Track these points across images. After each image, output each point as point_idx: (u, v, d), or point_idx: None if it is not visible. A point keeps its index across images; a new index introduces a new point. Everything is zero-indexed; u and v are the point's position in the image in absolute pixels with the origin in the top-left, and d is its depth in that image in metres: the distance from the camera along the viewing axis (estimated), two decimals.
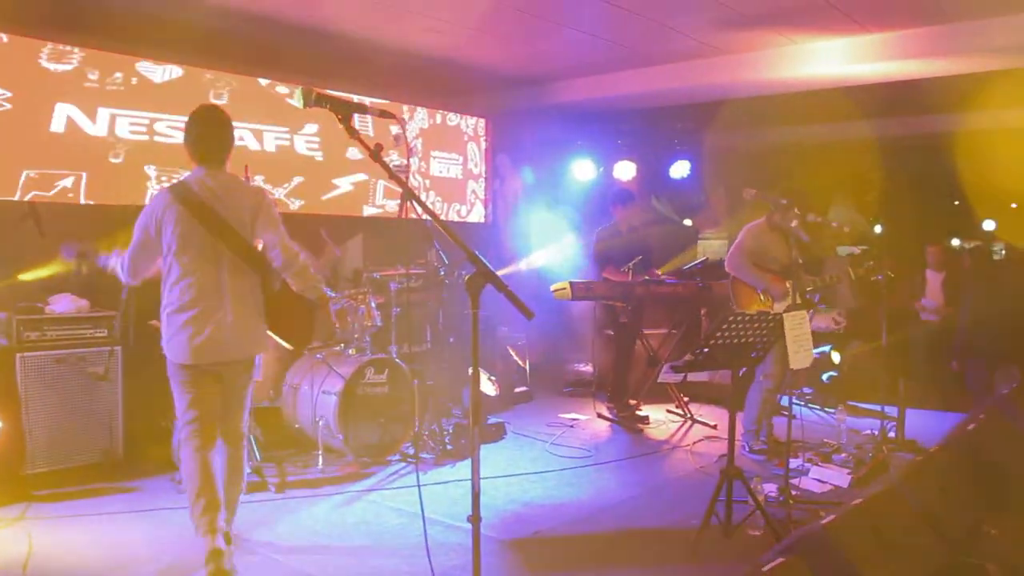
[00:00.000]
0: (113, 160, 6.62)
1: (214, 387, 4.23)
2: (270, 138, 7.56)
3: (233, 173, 4.34)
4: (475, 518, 2.68)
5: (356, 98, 4.03)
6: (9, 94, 6.08)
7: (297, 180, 7.80)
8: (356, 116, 2.73)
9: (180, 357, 4.11)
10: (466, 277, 2.62)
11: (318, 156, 7.97)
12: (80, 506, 5.07)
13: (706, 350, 4.55)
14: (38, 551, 4.46)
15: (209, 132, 4.19)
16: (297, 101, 2.65)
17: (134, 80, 6.71)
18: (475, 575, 2.70)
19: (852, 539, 3.20)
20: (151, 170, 6.81)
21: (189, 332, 4.08)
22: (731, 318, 4.51)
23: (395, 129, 3.22)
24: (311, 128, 7.84)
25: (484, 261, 2.57)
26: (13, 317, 5.63)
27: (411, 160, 8.13)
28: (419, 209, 2.72)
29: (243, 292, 4.19)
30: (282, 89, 7.57)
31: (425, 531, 3.66)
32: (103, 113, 6.56)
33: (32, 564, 4.29)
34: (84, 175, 6.49)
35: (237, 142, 4.80)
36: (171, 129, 6.84)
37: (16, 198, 6.19)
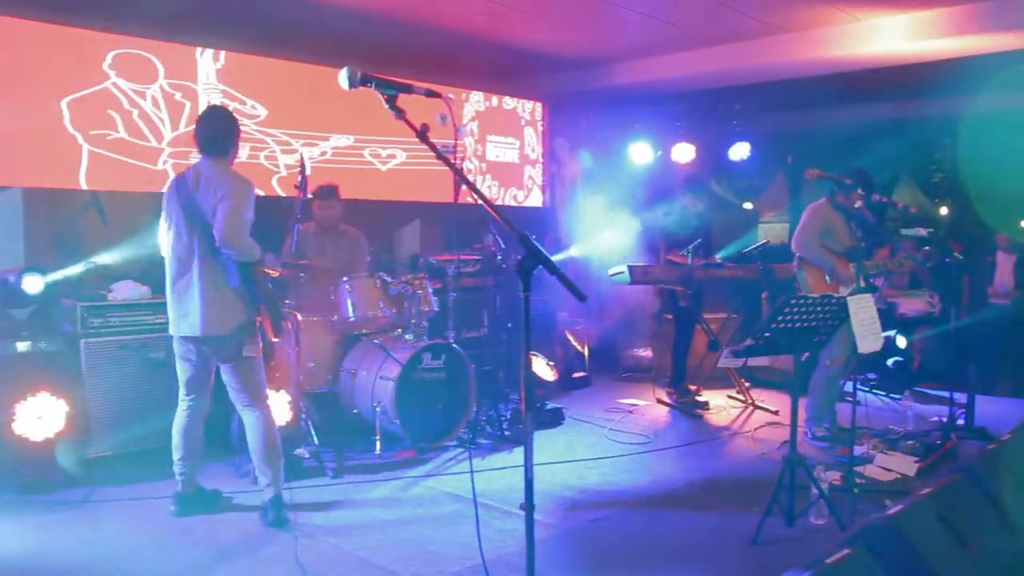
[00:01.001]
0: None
1: (195, 359, 4.72)
2: None
3: (229, 165, 4.64)
4: (528, 505, 2.64)
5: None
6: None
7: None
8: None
9: (169, 329, 4.70)
10: (518, 260, 2.57)
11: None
12: (142, 489, 5.14)
13: (767, 334, 4.44)
14: (101, 534, 4.53)
15: (203, 126, 4.62)
16: (343, 81, 2.62)
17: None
18: (529, 564, 2.65)
19: (920, 530, 3.09)
20: None
21: (173, 307, 4.63)
22: (793, 301, 4.40)
23: (441, 119, 3.16)
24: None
25: (536, 243, 2.51)
26: (77, 304, 5.72)
27: (460, 141, 8.08)
28: (474, 193, 2.68)
29: (211, 274, 4.50)
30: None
31: (477, 520, 3.61)
32: None
33: (95, 546, 4.37)
34: None
35: None
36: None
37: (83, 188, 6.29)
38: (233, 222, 4.35)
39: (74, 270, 6.01)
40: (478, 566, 3.99)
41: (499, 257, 7.06)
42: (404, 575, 4.05)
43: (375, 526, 4.70)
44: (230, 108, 4.94)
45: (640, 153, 9.68)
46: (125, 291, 6.04)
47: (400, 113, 2.60)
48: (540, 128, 9.81)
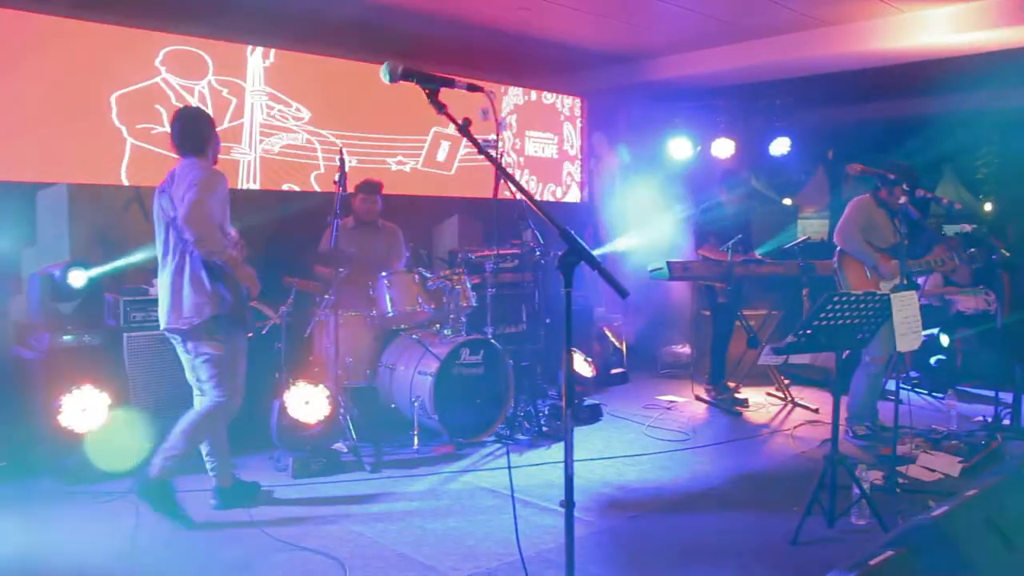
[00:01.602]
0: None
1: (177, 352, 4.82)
2: None
3: (205, 164, 4.62)
4: (568, 502, 2.62)
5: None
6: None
7: None
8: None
9: None
10: (559, 255, 2.55)
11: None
12: (184, 482, 5.17)
13: (808, 331, 4.39)
14: (144, 523, 4.59)
15: (175, 126, 4.68)
16: (384, 76, 2.62)
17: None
18: (568, 562, 2.64)
19: (965, 532, 3.03)
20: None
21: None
22: (835, 299, 4.34)
23: (482, 113, 3.17)
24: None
25: (577, 239, 2.50)
26: (120, 299, 5.80)
27: (502, 135, 8.08)
28: (511, 186, 2.67)
29: (173, 269, 4.57)
30: None
31: (515, 517, 3.60)
32: None
33: (138, 537, 4.43)
34: None
35: None
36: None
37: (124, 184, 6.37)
38: (195, 208, 4.33)
39: (117, 265, 6.10)
40: (516, 562, 4.01)
41: (538, 253, 7.04)
42: (442, 569, 4.05)
43: (413, 521, 4.71)
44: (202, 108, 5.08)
45: (679, 148, 9.62)
46: None
47: (441, 107, 2.59)
48: (579, 124, 9.78)
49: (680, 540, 4.51)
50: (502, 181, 6.38)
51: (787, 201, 12.94)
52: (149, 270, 6.14)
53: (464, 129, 2.59)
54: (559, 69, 9.32)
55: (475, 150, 2.69)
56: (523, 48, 8.31)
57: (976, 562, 2.95)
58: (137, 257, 6.08)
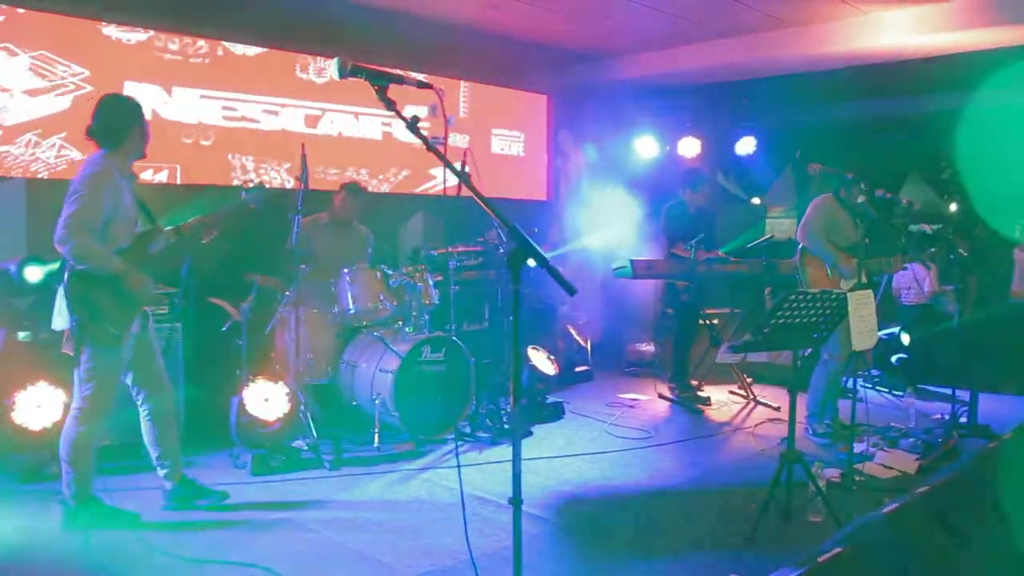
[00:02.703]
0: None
1: None
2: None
3: (96, 153, 4.42)
4: (516, 500, 2.61)
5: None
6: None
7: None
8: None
9: None
10: (508, 252, 2.54)
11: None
12: (140, 479, 5.12)
13: (766, 330, 4.41)
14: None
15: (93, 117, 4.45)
16: (333, 71, 2.60)
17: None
18: (516, 559, 2.63)
19: (915, 529, 3.06)
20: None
21: None
22: (792, 297, 4.36)
23: (431, 109, 3.17)
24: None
25: (525, 235, 2.48)
26: None
27: (451, 132, 8.07)
28: (465, 184, 2.66)
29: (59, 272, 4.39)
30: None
31: (464, 514, 3.58)
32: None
33: (93, 535, 4.35)
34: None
35: None
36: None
37: None
38: (62, 217, 4.15)
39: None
40: (470, 561, 3.99)
41: (501, 250, 7.03)
42: (399, 567, 4.04)
43: (371, 519, 4.69)
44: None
45: (646, 147, 9.65)
46: None
47: (391, 104, 2.57)
48: (545, 121, 9.78)
49: (636, 537, 4.53)
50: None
51: (755, 200, 13.01)
52: None
53: (412, 126, 2.57)
54: (525, 67, 9.32)
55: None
56: (490, 46, 8.30)
57: (925, 559, 2.98)
58: None
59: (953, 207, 14.84)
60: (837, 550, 2.81)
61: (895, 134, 11.03)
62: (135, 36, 6.54)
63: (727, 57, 8.38)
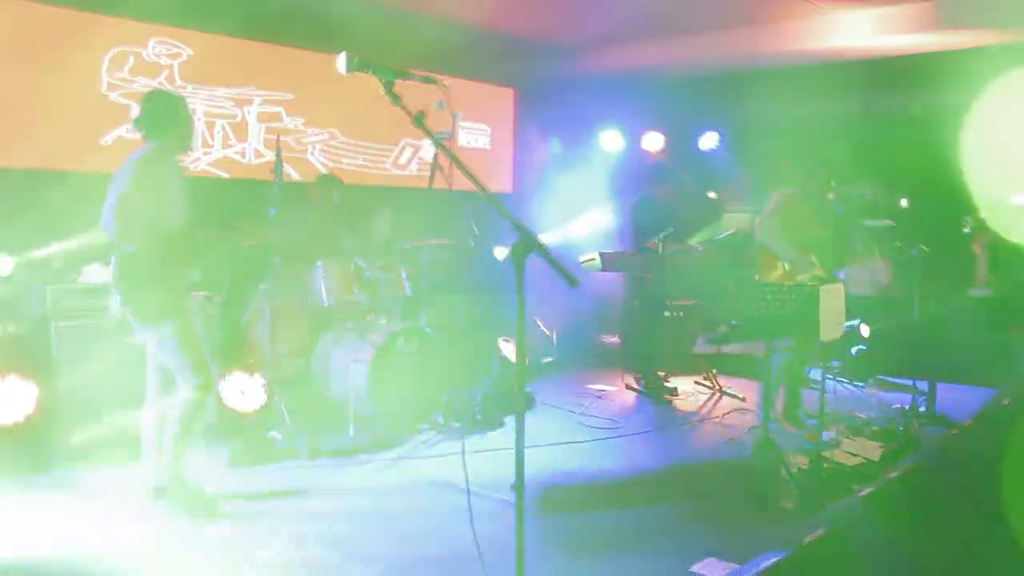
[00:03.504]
0: None
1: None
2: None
3: (143, 145, 4.49)
4: (519, 486, 2.70)
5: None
6: None
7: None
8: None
9: None
10: (512, 245, 2.61)
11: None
12: (116, 473, 5.11)
13: (740, 322, 4.53)
14: (75, 518, 4.50)
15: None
16: (340, 67, 2.64)
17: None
18: (519, 543, 2.71)
19: (889, 511, 3.20)
20: None
21: None
22: (767, 289, 4.49)
23: (438, 104, 3.26)
24: None
25: (529, 230, 2.56)
26: (47, 287, 5.67)
27: (457, 127, 8.11)
28: (469, 179, 2.72)
29: None
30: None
31: (469, 501, 3.65)
32: None
33: (68, 530, 4.35)
34: None
35: None
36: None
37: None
38: (108, 202, 4.25)
39: (44, 253, 5.96)
40: (456, 547, 4.12)
41: (472, 243, 7.07)
42: (387, 554, 4.10)
43: (354, 508, 4.73)
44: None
45: (610, 141, 9.75)
46: (94, 275, 6.01)
47: (397, 99, 2.63)
48: (511, 114, 9.84)
49: (613, 525, 4.62)
50: (436, 172, 6.41)
51: (712, 195, 13.20)
52: (78, 257, 6.05)
53: (419, 121, 2.63)
54: (492, 60, 9.35)
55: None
56: (455, 37, 8.32)
57: (899, 538, 3.12)
58: (66, 244, 5.97)
59: (904, 203, 15.18)
60: (820, 531, 2.94)
61: (850, 131, 11.27)
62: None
63: (691, 53, 8.49)
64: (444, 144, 2.65)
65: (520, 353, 2.69)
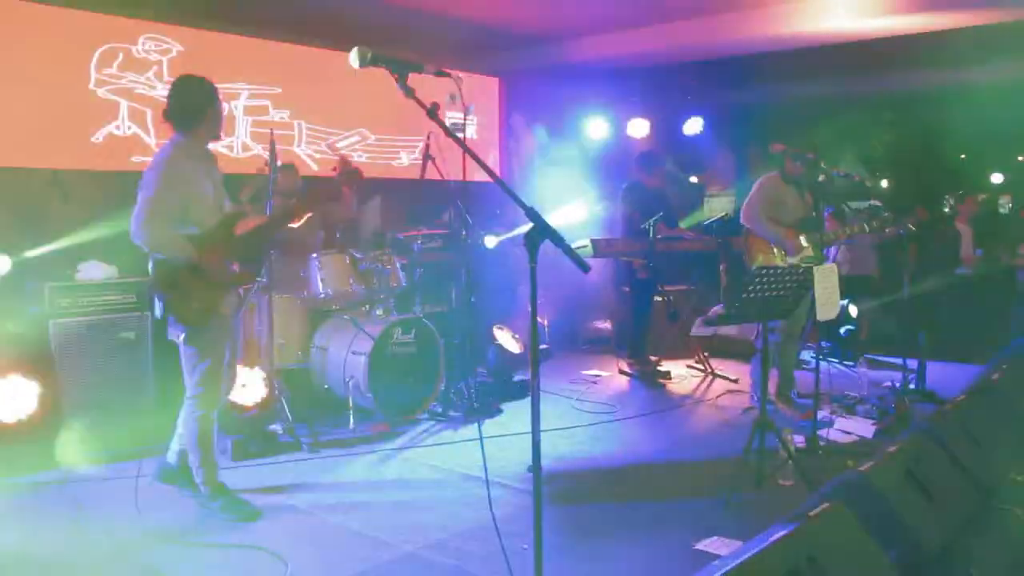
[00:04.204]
0: None
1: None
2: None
3: (171, 138, 4.37)
4: (536, 468, 2.76)
5: None
6: None
7: None
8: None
9: None
10: (525, 232, 2.66)
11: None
12: (118, 469, 5.14)
13: (737, 304, 4.61)
14: (80, 514, 4.53)
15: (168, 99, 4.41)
16: (353, 61, 2.68)
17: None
18: (536, 522, 2.77)
19: (890, 484, 3.29)
20: None
21: None
22: (763, 272, 4.57)
23: (451, 97, 3.31)
24: None
25: (542, 217, 2.61)
26: (45, 285, 5.69)
27: (469, 118, 8.11)
28: (484, 169, 2.76)
29: None
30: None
31: (488, 488, 3.69)
32: None
33: (74, 526, 4.38)
34: None
35: None
36: None
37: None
38: (135, 209, 4.13)
39: (40, 251, 5.97)
40: (464, 533, 4.21)
41: (464, 232, 7.11)
42: (394, 543, 4.14)
43: (359, 499, 4.78)
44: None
45: (596, 128, 9.81)
46: (92, 271, 6.03)
47: (410, 91, 2.67)
48: (497, 103, 9.87)
49: (617, 508, 4.68)
50: (429, 163, 6.43)
51: (693, 179, 13.31)
52: (75, 255, 6.06)
53: (433, 113, 2.67)
54: (476, 49, 9.38)
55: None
56: (440, 28, 8.34)
57: (900, 511, 3.21)
58: (62, 242, 5.98)
59: (884, 183, 15.38)
60: (825, 505, 3.02)
61: (831, 113, 11.39)
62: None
63: (674, 40, 8.55)
64: (458, 135, 2.69)
65: (534, 339, 2.73)
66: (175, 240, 4.17)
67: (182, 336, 4.31)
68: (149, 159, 4.65)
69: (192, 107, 4.32)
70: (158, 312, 4.30)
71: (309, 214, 4.90)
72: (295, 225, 4.94)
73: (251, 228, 4.49)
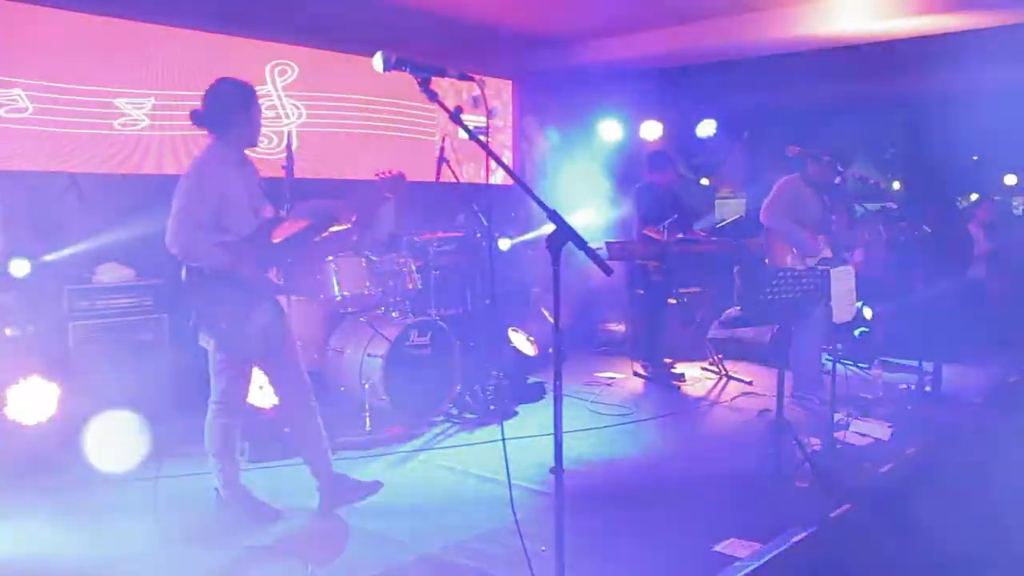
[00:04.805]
0: None
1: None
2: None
3: (220, 145, 4.29)
4: (558, 469, 2.77)
5: None
6: None
7: None
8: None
9: None
10: (548, 235, 2.68)
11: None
12: (136, 470, 5.16)
13: (755, 307, 4.62)
14: (100, 517, 4.56)
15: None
16: (377, 65, 2.70)
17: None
18: (558, 523, 2.78)
19: (908, 486, 3.31)
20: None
21: None
22: (781, 274, 4.58)
23: (473, 100, 3.34)
24: None
25: (565, 220, 2.63)
26: (64, 288, 5.73)
27: (492, 122, 8.13)
28: (506, 172, 2.78)
29: None
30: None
31: (511, 490, 3.66)
32: None
33: (93, 529, 4.41)
34: None
35: None
36: None
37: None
38: (170, 218, 4.07)
39: (58, 254, 6.02)
40: (482, 535, 4.24)
41: (479, 235, 7.14)
42: (414, 545, 4.16)
43: (377, 501, 4.76)
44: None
45: (610, 131, 9.82)
46: (109, 274, 6.08)
47: (433, 95, 2.69)
48: (510, 106, 9.89)
49: (637, 507, 4.70)
50: (443, 165, 6.45)
51: (704, 181, 13.32)
52: (92, 258, 6.11)
53: (456, 116, 2.69)
54: (489, 52, 9.39)
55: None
56: (452, 31, 8.36)
57: (918, 511, 3.22)
58: (80, 246, 6.03)
59: (896, 186, 15.36)
60: (846, 506, 3.03)
61: (843, 115, 11.38)
62: None
63: (687, 42, 8.54)
64: (480, 138, 2.71)
65: (557, 340, 2.76)
66: (208, 248, 4.09)
67: (212, 343, 4.30)
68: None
69: (223, 109, 4.23)
70: (191, 320, 4.27)
71: (353, 219, 4.83)
72: (337, 229, 4.87)
73: (290, 233, 4.44)
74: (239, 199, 4.25)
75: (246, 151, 4.39)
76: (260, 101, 4.33)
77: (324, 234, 4.72)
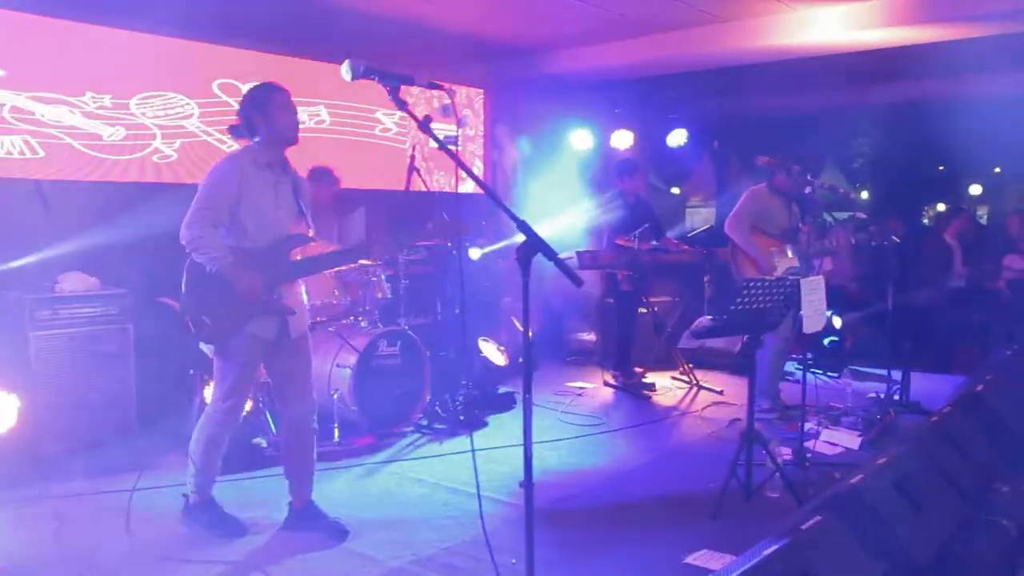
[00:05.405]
0: None
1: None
2: None
3: (246, 148, 4.25)
4: (527, 483, 2.74)
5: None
6: None
7: None
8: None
9: None
10: (518, 246, 2.65)
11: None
12: (97, 484, 5.07)
13: (726, 316, 4.62)
14: (60, 530, 4.46)
15: None
16: (345, 74, 2.66)
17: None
18: (528, 535, 2.75)
19: (879, 496, 3.30)
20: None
21: None
22: (752, 284, 4.58)
23: (443, 109, 3.28)
24: None
25: (534, 231, 2.60)
26: (24, 297, 5.62)
27: (462, 131, 8.09)
28: (475, 181, 2.75)
29: None
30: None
31: (480, 502, 3.66)
32: None
33: (54, 543, 4.32)
34: None
35: None
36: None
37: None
38: (190, 208, 4.05)
39: (19, 262, 5.90)
40: (452, 547, 4.20)
41: (449, 244, 7.09)
42: (380, 559, 4.10)
43: (345, 513, 4.67)
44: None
45: (581, 140, 9.83)
46: (72, 283, 5.96)
47: (403, 104, 2.66)
48: (481, 115, 9.87)
49: (606, 520, 4.67)
50: (413, 174, 6.41)
51: (675, 190, 13.38)
52: (55, 266, 6.00)
53: (425, 126, 2.66)
54: (460, 60, 9.38)
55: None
56: (424, 40, 8.33)
57: (890, 522, 3.21)
58: (42, 253, 5.92)
59: (864, 195, 15.51)
60: (817, 518, 3.02)
61: (812, 125, 11.47)
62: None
63: (658, 52, 8.57)
64: (449, 148, 2.68)
65: (527, 351, 2.72)
66: (213, 241, 4.01)
67: (211, 348, 4.25)
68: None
69: (243, 114, 4.19)
70: (185, 324, 4.22)
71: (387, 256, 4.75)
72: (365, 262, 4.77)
73: (316, 255, 4.38)
74: (262, 201, 4.15)
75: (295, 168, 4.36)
76: (285, 101, 4.20)
77: (350, 264, 4.67)
